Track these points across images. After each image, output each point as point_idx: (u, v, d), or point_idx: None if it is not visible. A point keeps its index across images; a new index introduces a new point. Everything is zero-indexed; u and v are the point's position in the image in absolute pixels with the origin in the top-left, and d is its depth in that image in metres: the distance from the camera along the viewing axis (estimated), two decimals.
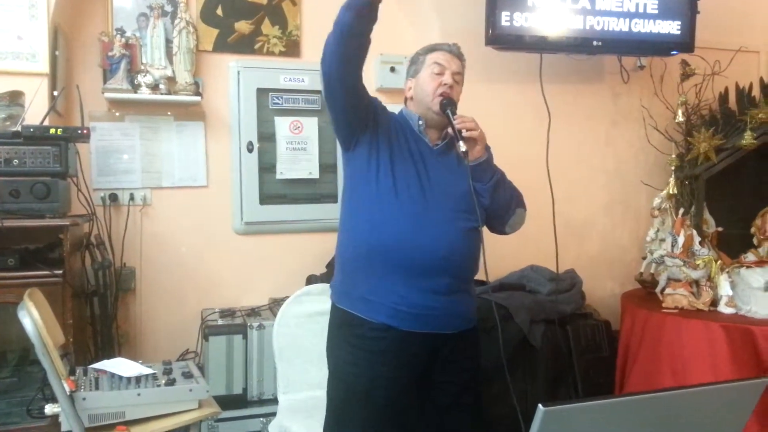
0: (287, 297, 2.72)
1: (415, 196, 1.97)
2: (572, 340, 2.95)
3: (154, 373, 1.91)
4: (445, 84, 2.04)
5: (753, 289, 2.75)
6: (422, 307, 1.96)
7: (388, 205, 1.97)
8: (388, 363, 1.97)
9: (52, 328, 1.90)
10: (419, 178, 1.99)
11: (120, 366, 1.94)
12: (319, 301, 2.57)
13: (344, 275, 2.08)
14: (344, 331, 2.03)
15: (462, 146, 1.93)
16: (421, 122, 2.08)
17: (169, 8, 3.10)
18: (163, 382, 1.86)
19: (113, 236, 3.01)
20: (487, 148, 2.07)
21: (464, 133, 1.95)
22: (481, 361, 2.15)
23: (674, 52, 3.28)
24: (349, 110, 1.98)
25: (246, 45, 3.24)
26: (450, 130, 2.00)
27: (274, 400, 2.71)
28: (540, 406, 1.05)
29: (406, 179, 1.99)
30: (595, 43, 3.12)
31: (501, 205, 2.08)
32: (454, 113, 1.99)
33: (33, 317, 1.73)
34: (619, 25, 3.13)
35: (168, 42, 3.05)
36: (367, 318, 1.98)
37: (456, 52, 2.12)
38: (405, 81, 2.18)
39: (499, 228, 2.15)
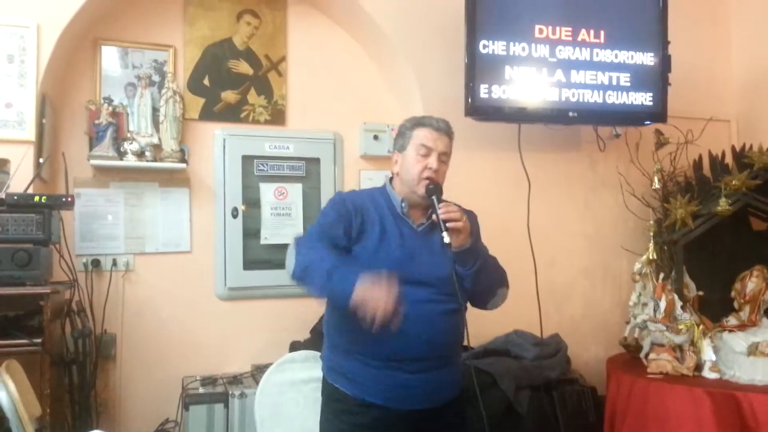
0: (270, 363, 2.68)
1: (398, 282, 1.89)
2: (558, 407, 2.92)
3: None
4: (430, 168, 2.02)
5: (736, 353, 2.76)
6: (407, 387, 1.97)
7: None
8: None
9: (29, 400, 1.85)
10: (401, 263, 1.96)
11: None
12: (303, 369, 2.54)
13: (330, 352, 2.10)
14: (333, 406, 2.05)
15: (446, 237, 1.90)
16: (404, 204, 2.06)
17: (156, 78, 3.18)
18: None
19: (95, 302, 2.98)
20: (473, 233, 2.02)
21: (449, 225, 1.91)
22: (468, 426, 2.14)
23: (648, 122, 3.39)
24: None
25: (232, 113, 3.31)
26: (435, 217, 1.97)
27: None
28: None
29: (388, 266, 1.91)
30: (571, 114, 3.23)
31: (483, 289, 2.07)
32: (440, 201, 1.97)
33: (9, 390, 1.70)
34: (594, 97, 3.24)
35: (155, 110, 3.11)
36: (353, 395, 1.99)
37: (444, 129, 2.08)
38: (392, 152, 2.17)
39: (479, 306, 2.15)
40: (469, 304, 2.10)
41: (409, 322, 1.90)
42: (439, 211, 1.93)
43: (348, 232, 1.99)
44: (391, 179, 2.16)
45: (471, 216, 2.20)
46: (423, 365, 1.97)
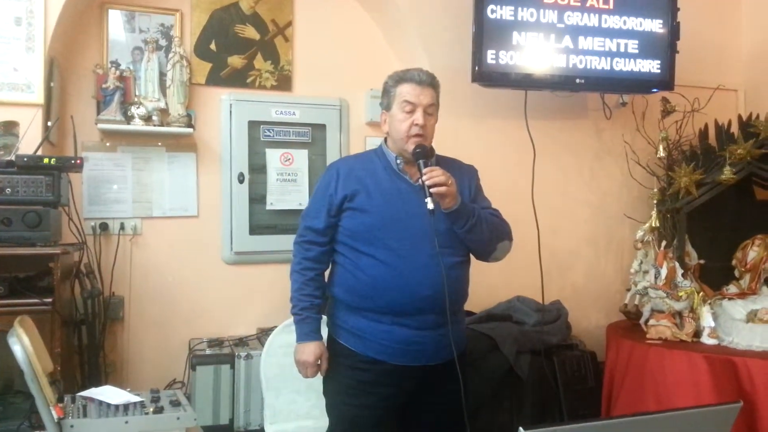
0: (275, 327, 2.74)
1: (397, 238, 2.01)
2: (558, 371, 2.97)
3: (142, 401, 1.91)
4: (416, 125, 2.02)
5: (735, 320, 2.80)
6: (409, 342, 2.03)
7: (370, 249, 2.03)
8: (377, 392, 2.05)
9: (42, 356, 1.90)
10: (400, 219, 2.02)
11: (108, 394, 1.94)
12: None
13: (335, 310, 2.16)
14: (338, 362, 2.12)
15: (429, 203, 1.91)
16: (399, 161, 2.10)
17: (163, 42, 3.17)
18: (151, 410, 1.86)
19: (103, 265, 3.02)
20: (462, 194, 2.07)
21: (432, 191, 1.93)
22: (470, 385, 2.20)
23: (654, 90, 3.38)
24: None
25: (238, 79, 3.31)
26: (421, 181, 1.98)
27: (261, 431, 2.70)
28: (521, 429, 1.08)
29: (386, 222, 2.02)
30: (578, 80, 3.22)
31: (479, 245, 2.12)
32: (426, 164, 1.98)
33: (23, 343, 1.74)
34: (601, 64, 3.23)
35: (162, 75, 3.11)
36: (357, 351, 2.06)
37: (427, 82, 2.08)
38: (381, 113, 2.19)
39: (480, 259, 2.20)
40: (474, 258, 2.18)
41: (408, 278, 1.99)
42: (423, 177, 1.94)
43: (332, 210, 2.10)
44: (385, 139, 2.19)
45: (469, 171, 2.26)
46: (427, 321, 2.02)
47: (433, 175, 1.94)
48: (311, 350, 2.09)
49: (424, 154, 2.01)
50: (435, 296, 1.99)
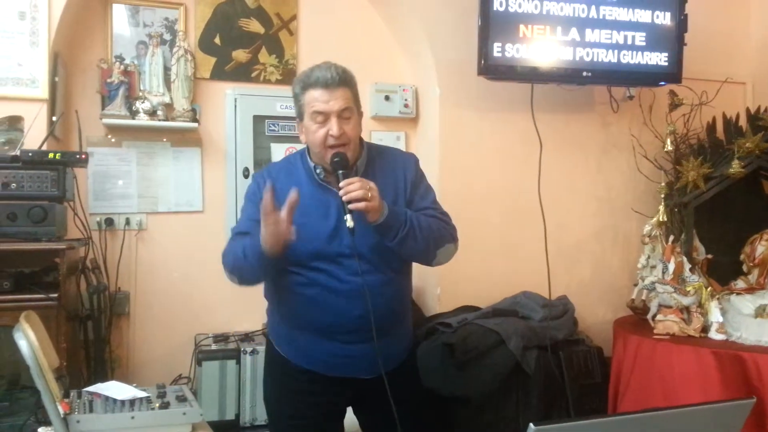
0: None
1: (323, 257, 1.86)
2: (565, 367, 2.95)
3: (148, 397, 1.90)
4: (332, 136, 1.81)
5: (743, 315, 2.78)
6: (343, 357, 1.92)
7: (297, 268, 1.89)
8: (311, 402, 1.97)
9: (47, 351, 1.89)
10: (325, 236, 1.86)
11: (114, 389, 1.93)
12: None
13: (272, 315, 2.07)
14: (273, 368, 2.05)
15: (349, 221, 1.71)
16: (318, 171, 1.90)
17: (167, 37, 3.16)
18: (157, 405, 1.85)
19: (108, 260, 3.03)
20: (398, 201, 1.90)
21: (350, 207, 1.72)
22: (419, 389, 2.14)
23: (662, 83, 3.35)
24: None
25: (243, 73, 3.30)
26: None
27: (267, 426, 2.70)
28: (531, 425, 1.07)
29: (309, 240, 1.83)
30: (584, 73, 3.19)
31: (415, 255, 1.94)
32: (346, 176, 1.77)
33: (29, 339, 1.73)
34: (608, 57, 3.20)
35: (166, 69, 3.11)
36: (293, 361, 1.98)
37: (336, 81, 1.81)
38: (296, 122, 1.96)
39: (424, 264, 2.02)
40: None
41: (338, 299, 1.85)
42: (340, 192, 1.74)
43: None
44: (308, 147, 1.96)
45: (405, 162, 2.03)
46: (359, 336, 1.88)
47: (349, 190, 1.72)
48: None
49: (343, 164, 1.79)
50: (366, 316, 1.79)
